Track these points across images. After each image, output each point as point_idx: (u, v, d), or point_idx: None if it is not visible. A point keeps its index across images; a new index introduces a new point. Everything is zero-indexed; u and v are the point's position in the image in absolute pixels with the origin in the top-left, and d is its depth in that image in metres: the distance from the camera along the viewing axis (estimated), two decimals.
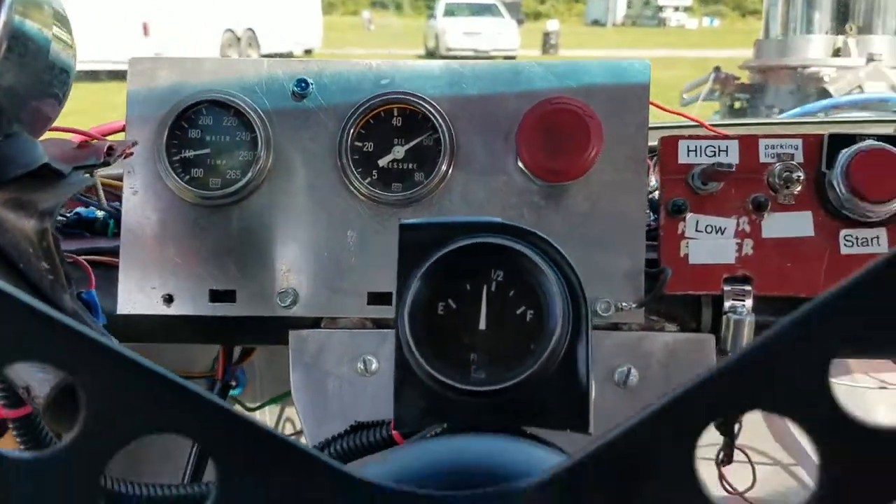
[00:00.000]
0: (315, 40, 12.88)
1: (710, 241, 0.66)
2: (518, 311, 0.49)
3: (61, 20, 0.57)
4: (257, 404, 1.12)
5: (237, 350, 0.87)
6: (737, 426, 1.00)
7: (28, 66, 0.53)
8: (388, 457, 0.34)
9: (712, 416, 0.26)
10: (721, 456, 1.00)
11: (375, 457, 0.59)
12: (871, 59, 2.68)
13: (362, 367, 0.68)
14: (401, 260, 0.49)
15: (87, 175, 0.62)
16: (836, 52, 2.82)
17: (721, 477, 0.99)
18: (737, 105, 3.00)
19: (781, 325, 0.26)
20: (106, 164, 0.58)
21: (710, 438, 1.07)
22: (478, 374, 0.48)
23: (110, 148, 0.59)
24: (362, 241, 0.69)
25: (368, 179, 0.68)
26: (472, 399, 0.46)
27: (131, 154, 0.64)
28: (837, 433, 0.25)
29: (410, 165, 0.68)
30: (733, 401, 0.26)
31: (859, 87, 2.56)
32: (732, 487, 1.00)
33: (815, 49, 2.91)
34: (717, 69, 2.80)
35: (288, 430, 1.27)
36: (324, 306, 0.69)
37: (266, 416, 1.25)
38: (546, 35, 15.74)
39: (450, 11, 15.50)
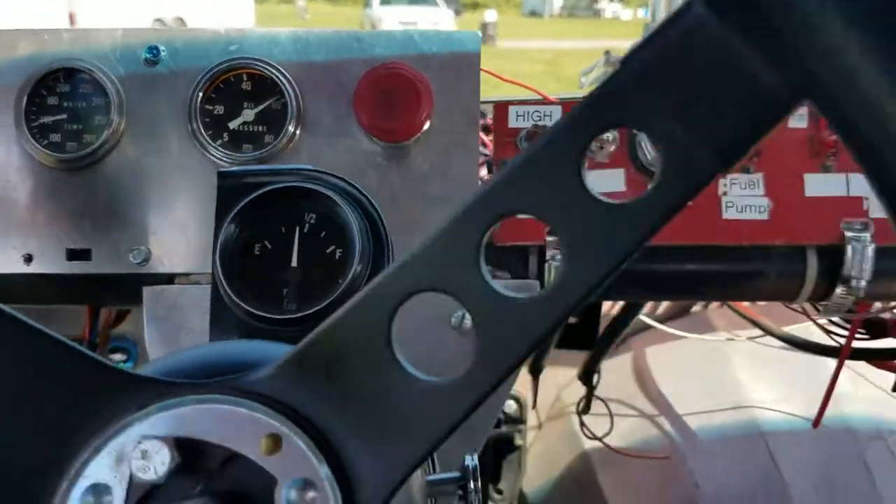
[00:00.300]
0: None
1: None
2: (328, 250, 0.54)
3: None
4: None
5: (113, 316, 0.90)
6: (595, 377, 1.08)
7: None
8: (164, 358, 0.38)
9: (395, 301, 0.31)
10: (581, 405, 1.08)
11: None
12: None
13: None
14: (217, 205, 0.53)
15: None
16: None
17: (581, 424, 1.07)
18: None
19: (448, 217, 0.31)
20: None
21: (576, 392, 1.15)
22: (289, 306, 0.53)
23: None
24: (213, 199, 0.72)
25: (219, 141, 0.72)
26: (282, 328, 0.51)
27: None
28: (486, 304, 0.30)
29: (260, 128, 0.73)
30: (409, 287, 0.31)
31: None
32: (591, 432, 1.08)
33: None
34: (607, 53, 2.90)
35: None
36: (175, 263, 0.72)
37: None
38: (484, 25, 15.80)
39: (386, 0, 15.44)
